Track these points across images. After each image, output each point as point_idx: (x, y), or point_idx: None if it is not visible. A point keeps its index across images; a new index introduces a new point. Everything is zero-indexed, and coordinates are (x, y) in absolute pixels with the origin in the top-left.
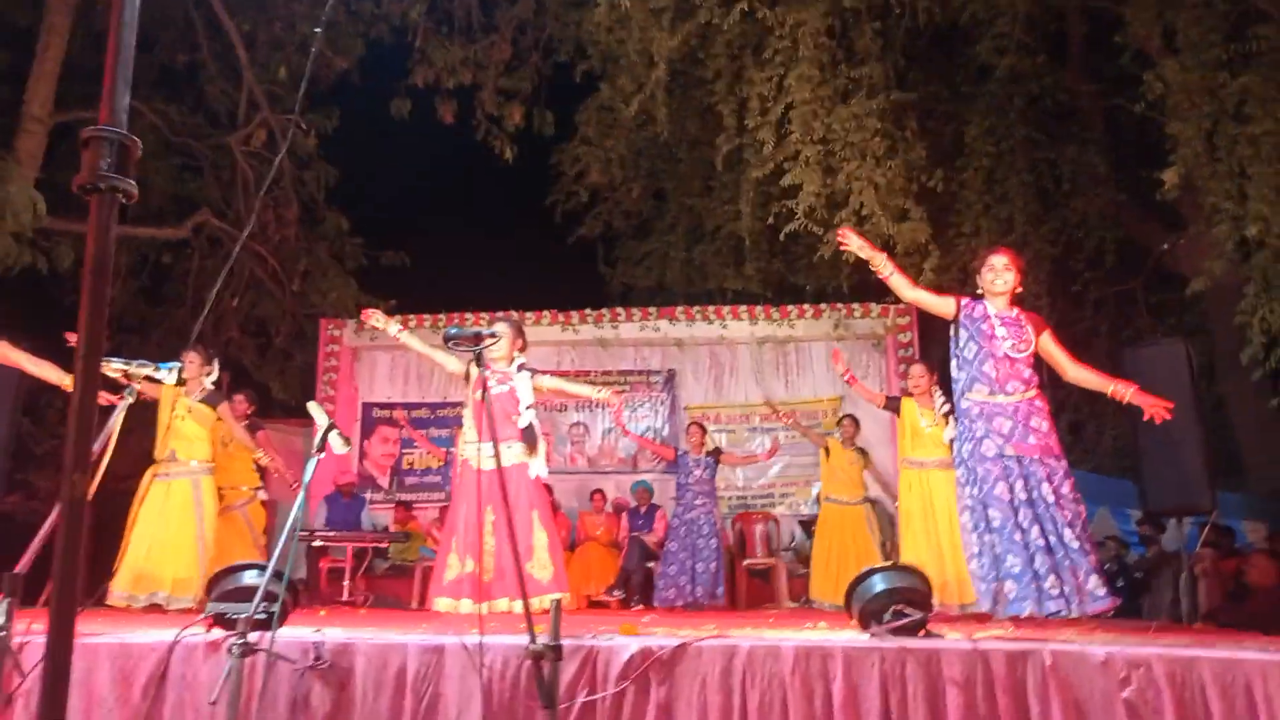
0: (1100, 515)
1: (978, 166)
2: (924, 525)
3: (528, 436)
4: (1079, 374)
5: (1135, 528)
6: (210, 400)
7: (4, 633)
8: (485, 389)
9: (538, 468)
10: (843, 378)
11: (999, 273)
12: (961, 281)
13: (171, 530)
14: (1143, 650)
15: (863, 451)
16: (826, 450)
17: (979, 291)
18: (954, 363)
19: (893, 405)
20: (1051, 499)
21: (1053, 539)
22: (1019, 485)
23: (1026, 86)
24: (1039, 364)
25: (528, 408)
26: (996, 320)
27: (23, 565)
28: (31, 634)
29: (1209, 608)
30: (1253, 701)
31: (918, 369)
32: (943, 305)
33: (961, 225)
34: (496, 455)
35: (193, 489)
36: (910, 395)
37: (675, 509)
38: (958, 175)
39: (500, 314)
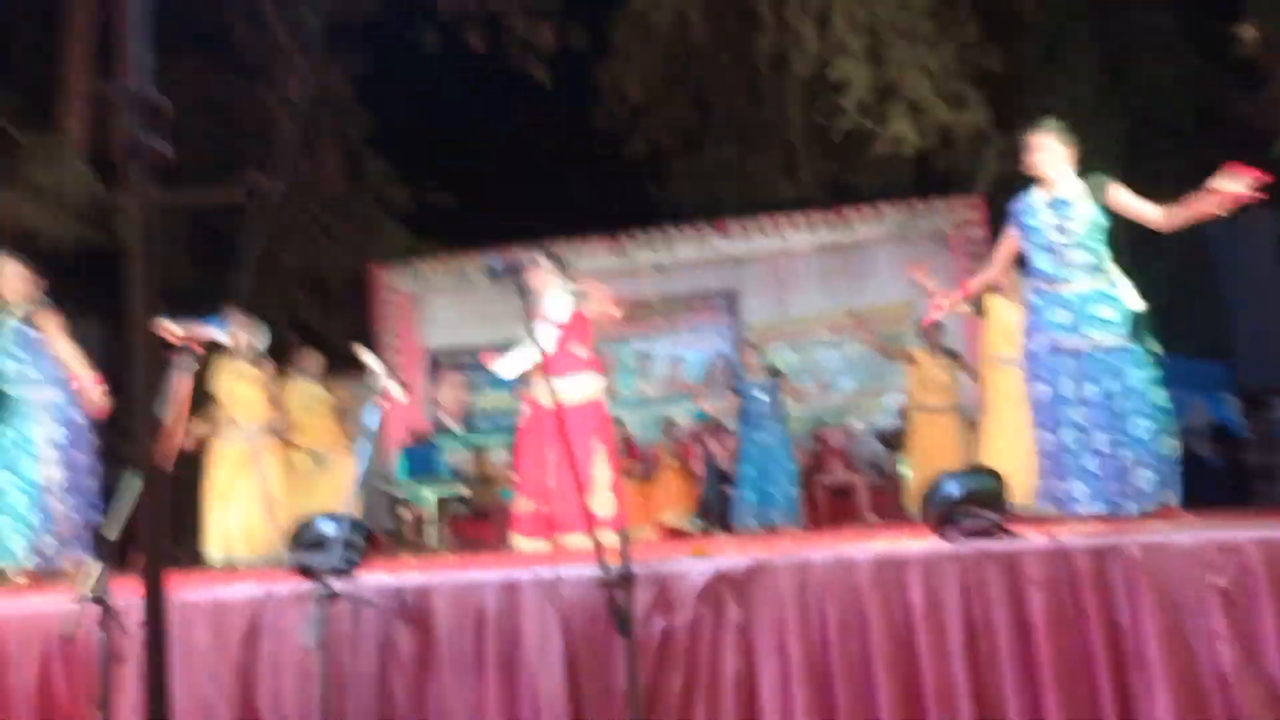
0: (1195, 404)
1: (1038, 41)
2: (1016, 425)
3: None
4: (1170, 218)
5: (1231, 415)
6: (257, 361)
7: (105, 595)
8: (529, 318)
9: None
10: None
11: (1037, 151)
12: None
13: (238, 492)
14: (1235, 535)
15: (952, 353)
16: (913, 360)
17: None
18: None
19: (977, 308)
20: (1109, 395)
21: (1112, 436)
22: (1073, 382)
23: None
24: (1115, 239)
25: (552, 322)
26: (1043, 206)
27: (114, 530)
28: (131, 595)
29: None
30: None
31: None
32: (1008, 235)
33: (1025, 107)
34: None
35: (251, 451)
36: (996, 292)
37: (744, 431)
38: (1017, 52)
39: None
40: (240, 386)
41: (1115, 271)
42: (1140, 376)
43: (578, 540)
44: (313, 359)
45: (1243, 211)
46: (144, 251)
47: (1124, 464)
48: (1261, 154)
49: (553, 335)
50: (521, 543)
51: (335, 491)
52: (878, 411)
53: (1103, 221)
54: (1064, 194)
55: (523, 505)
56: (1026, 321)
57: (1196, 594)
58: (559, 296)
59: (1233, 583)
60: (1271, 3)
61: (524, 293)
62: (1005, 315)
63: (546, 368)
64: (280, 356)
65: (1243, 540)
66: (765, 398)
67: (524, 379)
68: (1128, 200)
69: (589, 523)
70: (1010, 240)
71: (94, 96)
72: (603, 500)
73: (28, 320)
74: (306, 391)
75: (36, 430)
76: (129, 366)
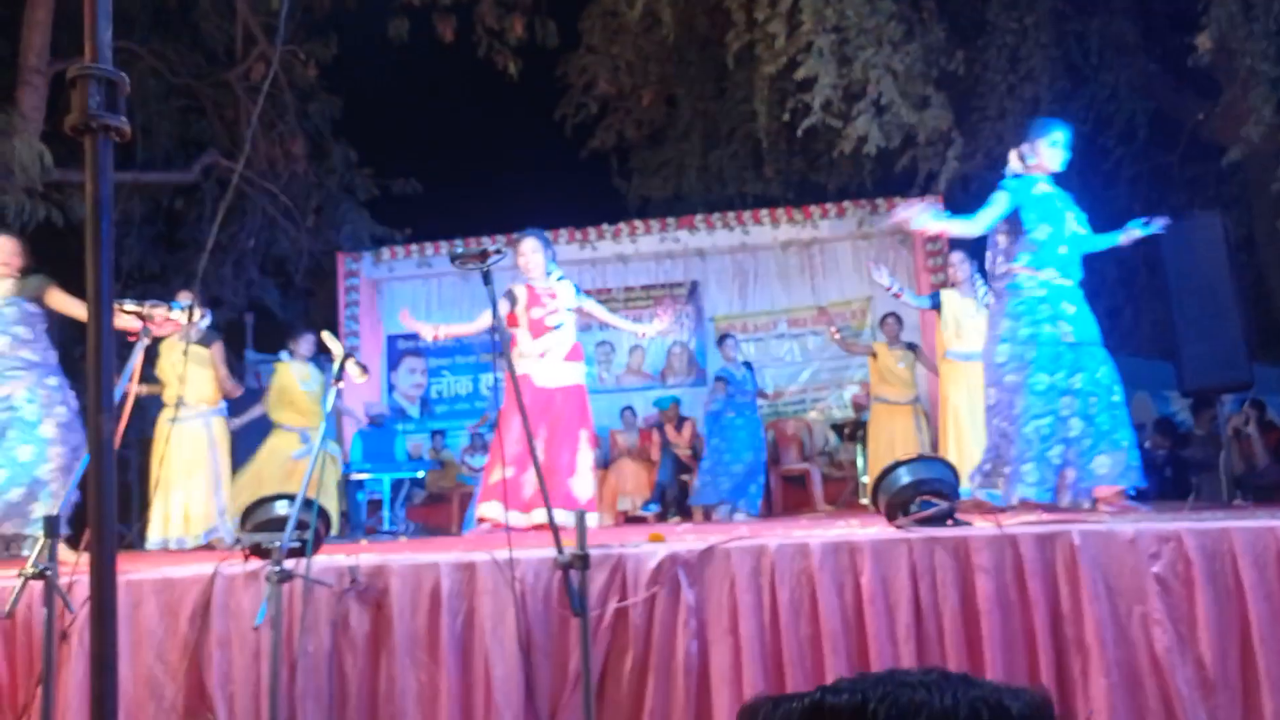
0: (1139, 400)
1: (1001, 44)
2: (972, 420)
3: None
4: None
5: (1176, 411)
6: (204, 341)
7: (50, 572)
8: (496, 311)
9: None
10: (890, 291)
11: (1062, 150)
12: (988, 168)
13: (190, 474)
14: (1172, 525)
15: (911, 347)
16: (874, 354)
17: (1017, 171)
18: (1018, 242)
19: (934, 303)
20: (1098, 385)
21: (1091, 426)
22: (1069, 373)
23: None
24: None
25: (570, 310)
26: (1059, 199)
27: (61, 508)
28: (78, 573)
29: (1248, 469)
30: None
31: (957, 256)
32: (1002, 204)
33: (985, 108)
34: (512, 369)
35: (204, 430)
36: (950, 286)
37: (727, 420)
38: (980, 56)
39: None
40: (188, 368)
41: None
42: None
43: (555, 516)
44: (306, 341)
45: (1192, 216)
46: (101, 230)
47: (1121, 445)
48: (1212, 161)
49: (572, 320)
50: (486, 508)
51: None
52: (834, 402)
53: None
54: (1055, 192)
55: (495, 472)
56: (1030, 309)
57: (1135, 580)
58: (549, 275)
59: (1169, 570)
60: (1228, 15)
61: (489, 278)
62: (957, 309)
63: (507, 354)
64: (237, 339)
65: (1180, 530)
66: (749, 389)
67: (509, 359)
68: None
69: (565, 502)
70: (1002, 210)
71: (50, 72)
72: (584, 482)
73: (27, 296)
74: (300, 373)
75: (39, 411)
76: (91, 345)
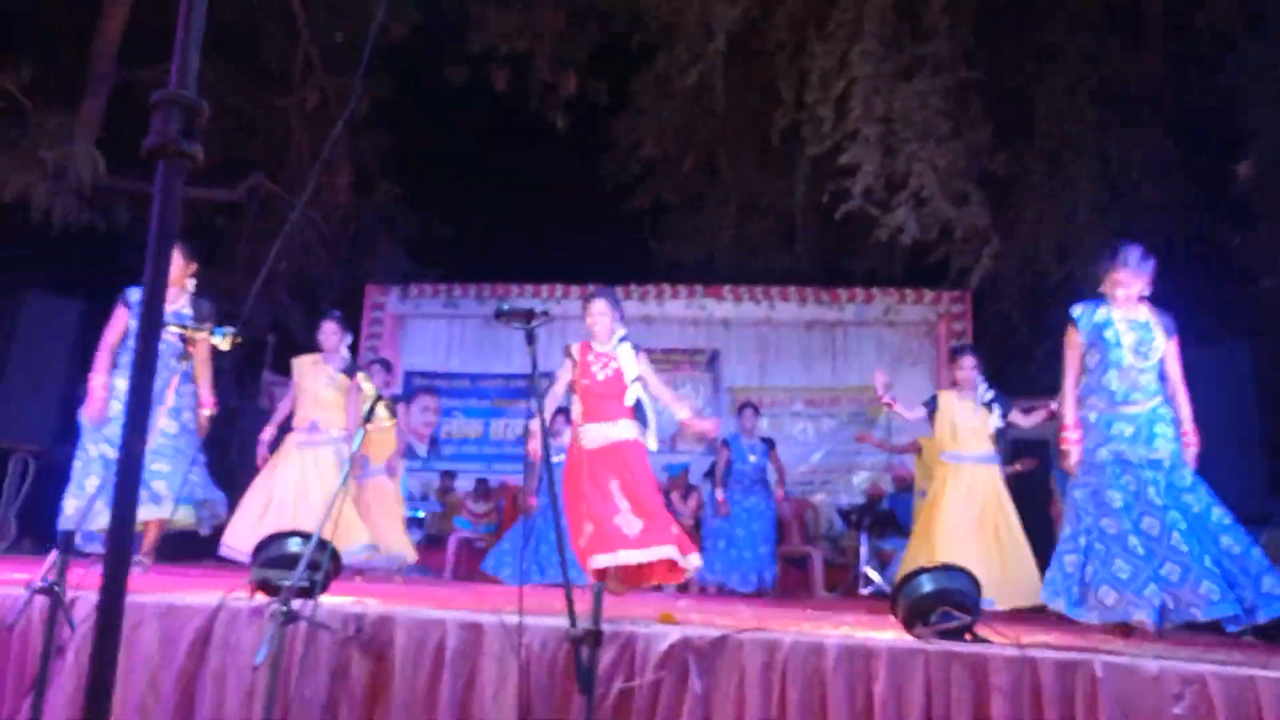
0: None
1: (1043, 150)
2: (966, 521)
3: (638, 414)
4: (1176, 393)
5: None
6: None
7: (57, 587)
8: (535, 366)
9: (650, 443)
10: (882, 401)
11: (1118, 286)
12: (1020, 269)
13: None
14: (1197, 666)
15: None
16: (919, 449)
17: (1100, 292)
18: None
19: (929, 405)
20: (1169, 501)
21: (1166, 543)
22: (1134, 490)
23: (1098, 69)
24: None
25: (634, 380)
26: (1123, 325)
27: (75, 522)
28: (82, 589)
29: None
30: None
31: (969, 359)
32: (1075, 342)
33: (1023, 211)
34: (541, 439)
35: (334, 457)
36: (951, 387)
37: (731, 494)
38: (1021, 159)
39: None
40: (328, 391)
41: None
42: (1201, 495)
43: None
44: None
45: (1222, 342)
46: (163, 251)
47: (1170, 574)
48: (1245, 288)
49: (608, 381)
50: (600, 560)
51: (382, 498)
52: (843, 487)
53: (1165, 353)
54: (1143, 318)
55: (585, 533)
56: (1084, 435)
57: (1155, 719)
58: (612, 337)
59: (1190, 712)
60: (1271, 145)
61: (532, 338)
62: (955, 410)
63: (542, 419)
64: (258, 359)
65: (1205, 673)
66: (756, 461)
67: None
68: (1171, 357)
69: (676, 540)
70: (1080, 349)
71: (113, 81)
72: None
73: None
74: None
75: None
76: (137, 362)
